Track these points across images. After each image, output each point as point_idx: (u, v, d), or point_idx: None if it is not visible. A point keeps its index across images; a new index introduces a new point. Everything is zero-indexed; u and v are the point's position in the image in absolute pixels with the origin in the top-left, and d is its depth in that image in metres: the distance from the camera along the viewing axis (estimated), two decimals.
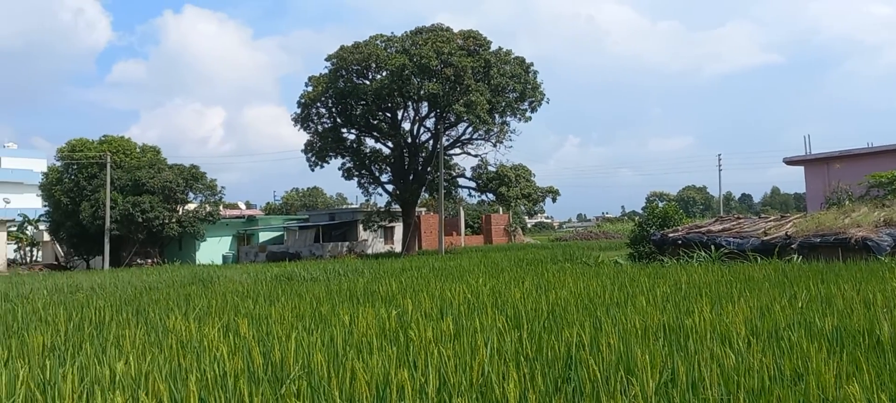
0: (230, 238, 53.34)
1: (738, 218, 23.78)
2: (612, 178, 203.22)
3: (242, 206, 78.35)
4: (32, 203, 60.33)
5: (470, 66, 39.27)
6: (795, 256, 16.57)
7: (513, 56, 41.91)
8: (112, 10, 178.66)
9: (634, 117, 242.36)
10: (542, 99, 42.76)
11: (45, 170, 54.60)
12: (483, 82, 40.28)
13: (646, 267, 17.22)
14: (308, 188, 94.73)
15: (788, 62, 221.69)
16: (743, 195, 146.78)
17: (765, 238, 18.47)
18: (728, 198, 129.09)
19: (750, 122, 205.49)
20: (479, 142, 43.82)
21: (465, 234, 60.83)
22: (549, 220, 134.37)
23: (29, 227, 56.19)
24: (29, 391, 4.97)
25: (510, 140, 43.53)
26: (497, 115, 42.03)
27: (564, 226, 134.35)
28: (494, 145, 43.26)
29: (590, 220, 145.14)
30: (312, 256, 46.19)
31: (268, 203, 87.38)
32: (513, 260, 24.18)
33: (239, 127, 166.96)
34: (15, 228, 54.62)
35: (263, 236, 54.45)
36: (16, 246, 56.33)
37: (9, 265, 49.18)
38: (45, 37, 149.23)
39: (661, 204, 27.00)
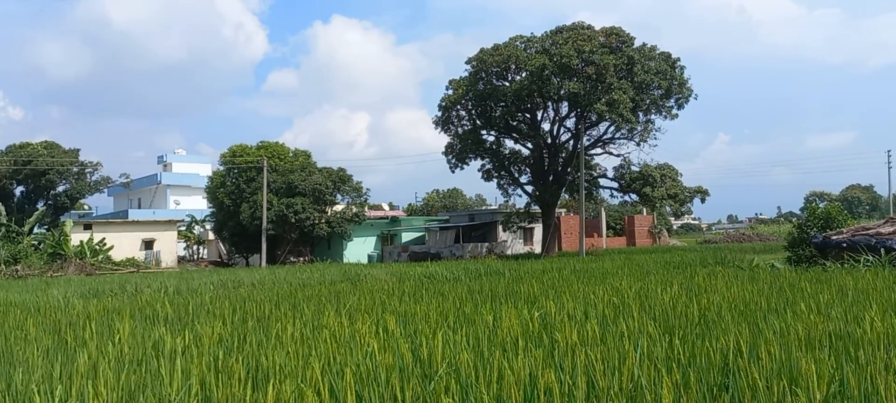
0: (375, 238, 55.26)
1: None
2: (766, 178, 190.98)
3: (386, 207, 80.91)
4: (199, 204, 65.32)
5: (612, 64, 38.33)
6: None
7: (657, 51, 40.47)
8: (268, 24, 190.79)
9: (790, 112, 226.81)
10: (690, 95, 40.98)
11: (210, 174, 59.11)
12: (626, 80, 39.19)
13: (806, 271, 16.09)
14: (448, 189, 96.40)
15: None
16: None
17: None
18: None
19: None
20: (622, 141, 42.69)
21: (607, 236, 59.50)
22: (696, 222, 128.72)
23: (196, 227, 60.88)
24: (203, 377, 5.40)
25: (655, 138, 42.06)
26: (641, 113, 40.75)
27: (713, 228, 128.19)
28: (638, 144, 41.98)
29: (741, 222, 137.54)
30: (453, 256, 46.93)
31: (410, 204, 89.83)
32: (658, 262, 23.36)
33: (382, 131, 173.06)
34: (184, 228, 59.46)
35: (406, 236, 55.96)
36: (185, 245, 61.27)
37: (179, 262, 53.71)
38: (208, 51, 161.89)
39: (822, 205, 25.15)
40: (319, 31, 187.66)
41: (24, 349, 7.79)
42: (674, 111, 41.26)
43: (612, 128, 41.33)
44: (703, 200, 43.24)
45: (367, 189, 52.86)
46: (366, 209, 53.31)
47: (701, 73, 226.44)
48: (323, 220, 48.47)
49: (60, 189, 66.23)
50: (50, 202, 64.97)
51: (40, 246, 45.68)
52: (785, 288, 11.34)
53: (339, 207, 51.17)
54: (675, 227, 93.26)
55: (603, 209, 60.34)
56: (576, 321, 7.99)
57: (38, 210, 56.41)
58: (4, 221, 46.00)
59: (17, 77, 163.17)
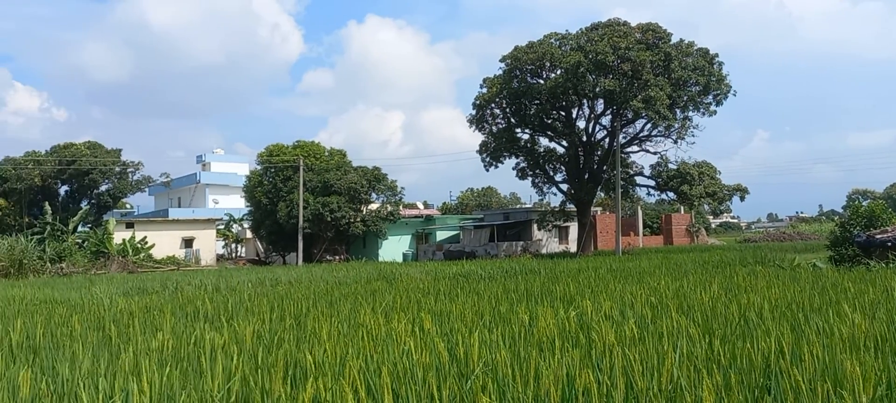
0: (409, 236, 55.47)
1: None
2: (807, 175, 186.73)
3: (420, 206, 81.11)
4: (237, 203, 66.25)
5: (649, 60, 37.90)
6: None
7: (695, 47, 39.91)
8: (303, 24, 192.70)
9: (832, 109, 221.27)
10: (728, 91, 40.31)
11: (248, 173, 59.93)
12: (663, 76, 38.70)
13: (849, 271, 15.72)
14: (482, 188, 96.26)
15: None
16: None
17: None
18: None
19: None
20: (659, 138, 42.17)
21: (644, 235, 58.85)
22: (735, 220, 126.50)
23: (234, 225, 61.81)
24: (243, 374, 5.48)
25: (692, 136, 41.39)
26: (678, 110, 40.21)
27: (753, 227, 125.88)
28: (675, 142, 41.40)
29: (782, 220, 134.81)
30: (487, 255, 46.88)
31: (444, 203, 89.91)
32: (697, 261, 23.04)
33: (417, 129, 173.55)
34: (222, 226, 60.42)
35: (440, 235, 56.06)
36: (223, 243, 62.25)
37: (217, 260, 54.58)
38: (245, 52, 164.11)
39: (865, 203, 24.52)
40: (354, 30, 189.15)
41: (70, 345, 7.99)
42: (712, 107, 40.65)
43: (649, 125, 40.89)
44: (742, 198, 42.52)
45: (402, 188, 53.18)
46: (400, 208, 53.55)
47: (740, 70, 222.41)
48: (358, 219, 48.81)
49: (103, 188, 67.77)
50: (93, 201, 66.52)
51: (84, 245, 46.82)
52: (827, 289, 11.10)
53: (373, 206, 51.48)
54: (713, 226, 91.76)
55: (639, 207, 59.69)
56: (613, 321, 7.93)
57: (82, 209, 57.82)
58: (50, 220, 47.26)
59: (60, 79, 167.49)
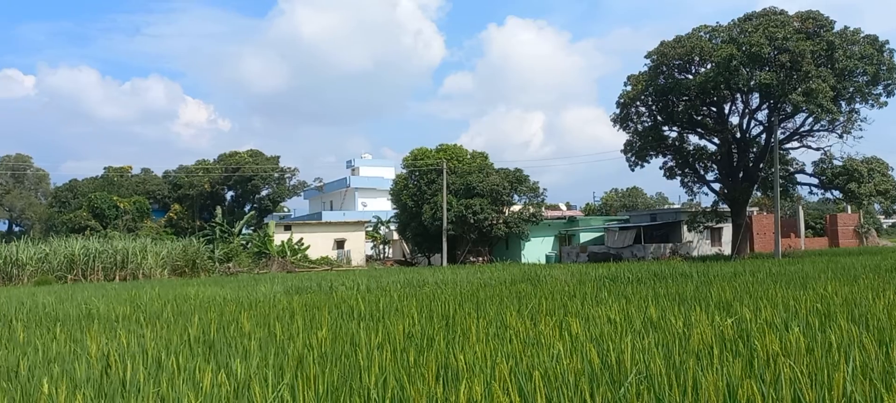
0: (552, 238, 55.06)
1: None
2: None
3: (563, 207, 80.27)
4: (384, 206, 68.66)
5: (809, 50, 35.33)
6: None
7: (862, 35, 36.75)
8: (445, 30, 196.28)
9: None
10: None
11: (394, 176, 61.99)
12: (825, 67, 35.96)
13: None
14: (627, 188, 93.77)
15: None
16: None
17: None
18: None
19: None
20: (822, 133, 39.17)
21: (805, 236, 54.94)
22: None
23: (381, 228, 64.14)
24: (397, 373, 5.71)
25: (860, 130, 38.10)
26: (843, 103, 37.19)
27: None
28: (840, 136, 38.29)
29: None
30: (634, 257, 45.58)
31: (587, 203, 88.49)
32: (867, 265, 21.19)
33: (557, 130, 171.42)
34: (371, 228, 62.89)
35: (583, 237, 55.22)
36: (372, 244, 64.79)
37: (367, 260, 56.86)
38: (390, 59, 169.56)
39: None
40: (494, 33, 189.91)
41: (240, 340, 8.65)
42: (882, 99, 37.24)
43: (811, 119, 38.12)
44: None
45: (544, 189, 52.89)
46: (543, 209, 53.27)
47: None
48: (500, 221, 49.09)
49: (264, 193, 72.47)
50: (255, 205, 71.33)
51: (248, 246, 50.42)
52: None
53: (516, 207, 51.57)
54: (884, 227, 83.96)
55: (800, 207, 55.93)
56: (775, 329, 7.49)
57: (246, 213, 62.33)
58: (220, 222, 51.40)
59: (224, 92, 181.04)
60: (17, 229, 77.62)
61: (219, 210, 56.79)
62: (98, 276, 40.04)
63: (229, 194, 72.60)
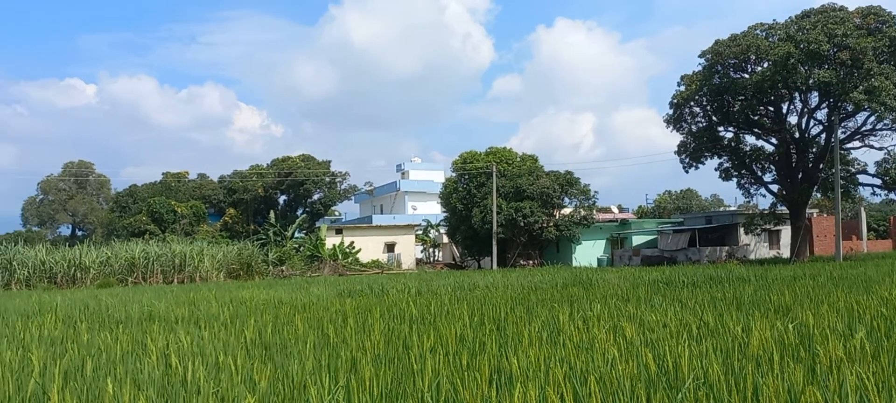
0: (604, 241, 54.39)
1: None
2: None
3: (615, 210, 79.21)
4: (433, 209, 68.90)
5: (871, 47, 34.21)
6: None
7: None
8: (493, 33, 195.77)
9: None
10: None
11: (443, 180, 62.13)
12: (888, 64, 34.76)
13: None
14: (681, 190, 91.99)
15: None
16: None
17: None
18: None
19: None
20: (885, 132, 37.90)
21: (868, 238, 53.01)
22: None
23: (431, 231, 64.32)
24: (450, 377, 5.72)
25: None
26: None
27: None
28: None
29: None
30: (688, 261, 44.69)
31: (639, 206, 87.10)
32: None
33: (608, 131, 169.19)
34: (421, 232, 63.15)
35: (636, 240, 54.39)
36: (422, 248, 65.06)
37: (417, 264, 57.11)
38: (439, 63, 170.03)
39: None
40: (542, 35, 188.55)
41: (295, 342, 8.78)
42: None
43: (873, 118, 36.90)
44: None
45: (595, 191, 52.26)
46: (594, 212, 52.68)
47: None
48: (551, 224, 48.73)
49: (315, 197, 73.45)
50: (307, 209, 72.37)
51: (300, 249, 51.21)
52: None
53: (566, 210, 51.11)
54: None
55: (863, 209, 54.03)
56: (838, 334, 7.25)
57: (298, 217, 63.33)
58: (273, 225, 52.38)
59: (277, 98, 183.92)
60: (80, 233, 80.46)
61: (272, 214, 57.86)
62: (157, 279, 41.18)
63: (282, 198, 73.79)
